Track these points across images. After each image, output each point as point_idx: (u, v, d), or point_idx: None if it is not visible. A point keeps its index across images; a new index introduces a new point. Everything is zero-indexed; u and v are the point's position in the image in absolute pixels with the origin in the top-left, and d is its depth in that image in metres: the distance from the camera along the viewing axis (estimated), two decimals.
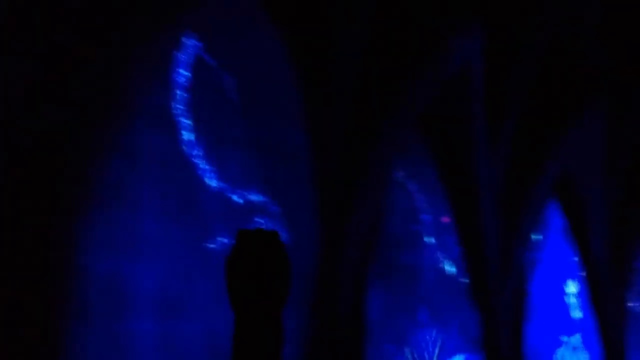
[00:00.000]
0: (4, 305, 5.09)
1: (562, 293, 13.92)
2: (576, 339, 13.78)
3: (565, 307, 13.95)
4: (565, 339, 13.69)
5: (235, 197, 7.29)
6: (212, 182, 7.08)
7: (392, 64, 8.84)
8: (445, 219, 10.76)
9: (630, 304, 14.23)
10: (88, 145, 5.76)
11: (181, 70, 6.75)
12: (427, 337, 10.40)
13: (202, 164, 6.99)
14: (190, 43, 6.76)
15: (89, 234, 5.68)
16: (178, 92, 6.76)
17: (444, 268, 10.83)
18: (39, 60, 5.49)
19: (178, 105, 6.78)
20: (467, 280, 11.00)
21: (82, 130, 5.71)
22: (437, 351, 10.50)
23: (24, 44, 5.45)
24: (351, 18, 8.21)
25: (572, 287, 14.00)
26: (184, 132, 6.82)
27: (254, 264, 3.14)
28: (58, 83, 5.58)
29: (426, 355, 10.36)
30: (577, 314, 13.93)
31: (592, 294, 13.80)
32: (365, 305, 8.79)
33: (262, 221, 7.51)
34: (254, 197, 7.51)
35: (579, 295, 13.89)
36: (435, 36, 9.20)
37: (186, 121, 6.82)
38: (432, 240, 10.65)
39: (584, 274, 13.79)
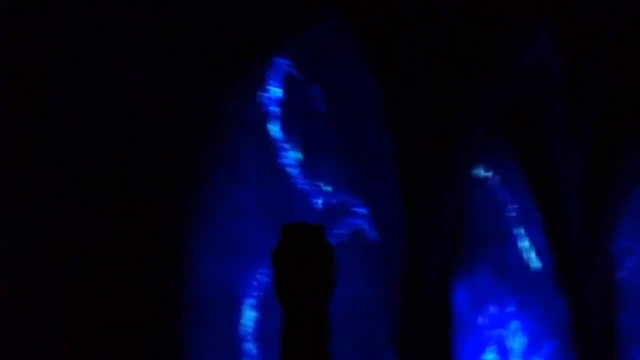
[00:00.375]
0: (128, 309, 5.91)
1: None
2: None
3: None
4: None
5: (326, 201, 8.02)
6: (305, 188, 7.82)
7: (471, 62, 9.38)
8: (530, 211, 11.24)
9: None
10: (196, 160, 6.57)
11: (273, 87, 7.53)
12: (516, 326, 10.88)
13: (296, 172, 7.74)
14: (280, 61, 7.54)
15: (199, 241, 6.49)
16: (272, 107, 7.55)
17: (530, 259, 11.28)
18: (153, 82, 6.32)
19: (272, 119, 7.57)
20: (554, 270, 11.46)
21: (191, 146, 6.53)
22: (526, 340, 10.98)
23: (140, 68, 6.28)
24: (429, 21, 8.78)
25: None
26: (278, 143, 7.60)
27: (296, 258, 3.41)
28: (170, 103, 6.41)
29: (515, 345, 10.84)
30: None
31: None
32: (453, 298, 9.34)
33: (355, 222, 8.22)
34: (344, 200, 8.21)
35: None
36: (513, 33, 9.70)
37: (279, 133, 7.59)
38: (518, 232, 11.13)
39: None
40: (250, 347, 7.14)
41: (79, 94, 6.15)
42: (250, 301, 7.17)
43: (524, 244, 11.17)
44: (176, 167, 6.42)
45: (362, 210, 8.40)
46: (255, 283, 7.16)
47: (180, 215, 6.39)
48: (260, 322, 7.19)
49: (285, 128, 7.64)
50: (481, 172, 10.54)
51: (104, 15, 6.22)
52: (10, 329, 5.62)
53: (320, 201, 8.00)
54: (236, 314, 7.03)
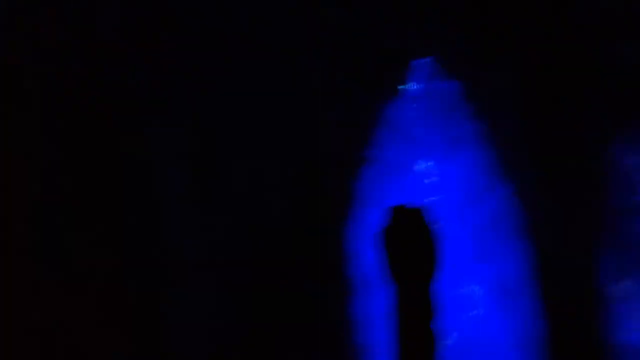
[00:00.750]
0: (302, 292, 6.87)
1: None
2: None
3: None
4: None
5: (468, 187, 8.74)
6: (447, 177, 8.57)
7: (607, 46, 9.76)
8: None
9: None
10: (345, 159, 7.49)
11: (414, 84, 8.30)
12: None
13: (437, 163, 8.50)
14: (422, 60, 8.30)
15: (356, 229, 7.39)
16: (411, 103, 8.33)
17: None
18: (307, 84, 7.26)
19: (414, 114, 8.35)
20: None
21: (343, 145, 7.44)
22: None
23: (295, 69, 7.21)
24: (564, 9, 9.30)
25: None
26: (418, 138, 8.37)
27: (398, 239, 3.68)
28: (324, 103, 7.33)
29: None
30: None
31: None
32: (593, 272, 9.79)
33: (496, 205, 8.86)
34: (485, 185, 8.89)
35: None
36: None
37: (420, 129, 8.37)
38: None
39: None
40: None
41: (245, 97, 7.13)
42: None
43: None
44: (333, 165, 7.33)
45: (504, 193, 9.02)
46: None
47: (339, 207, 7.30)
48: None
49: (427, 122, 8.41)
50: (616, 150, 10.89)
51: (268, 19, 7.18)
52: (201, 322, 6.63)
53: (462, 188, 8.73)
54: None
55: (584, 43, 9.41)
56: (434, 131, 8.47)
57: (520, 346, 8.85)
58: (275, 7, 7.40)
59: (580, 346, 9.37)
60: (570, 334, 9.25)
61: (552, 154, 9.40)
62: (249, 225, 6.84)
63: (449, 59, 8.55)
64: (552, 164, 9.41)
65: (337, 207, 7.35)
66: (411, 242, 3.63)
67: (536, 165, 9.26)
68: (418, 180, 8.37)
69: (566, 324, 9.24)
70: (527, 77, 9.10)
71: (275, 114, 7.33)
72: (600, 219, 10.10)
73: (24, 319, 6.13)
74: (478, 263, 8.45)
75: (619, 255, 10.93)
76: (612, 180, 10.66)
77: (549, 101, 9.33)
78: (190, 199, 6.72)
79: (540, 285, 9.12)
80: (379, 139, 7.98)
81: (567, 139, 9.51)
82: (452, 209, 8.29)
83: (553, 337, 9.09)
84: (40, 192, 6.37)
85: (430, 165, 8.46)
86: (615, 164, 10.84)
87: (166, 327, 6.53)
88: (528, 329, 8.92)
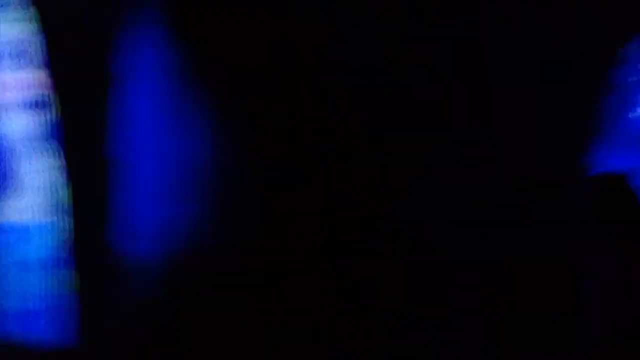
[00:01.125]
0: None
1: None
2: None
3: None
4: None
5: None
6: None
7: None
8: None
9: None
10: (577, 132, 7.56)
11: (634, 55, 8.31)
12: None
13: None
14: None
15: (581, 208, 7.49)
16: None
17: None
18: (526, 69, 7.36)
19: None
20: None
21: (569, 119, 7.53)
22: None
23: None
24: None
25: None
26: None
27: (609, 207, 3.69)
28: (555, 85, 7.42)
29: None
30: None
31: None
32: None
33: None
34: None
35: None
36: None
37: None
38: None
39: None
40: None
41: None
42: None
43: None
44: (564, 138, 7.43)
45: None
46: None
47: (566, 182, 7.41)
48: None
49: None
50: None
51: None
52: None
53: None
54: None
55: None
56: None
57: None
58: None
59: None
60: None
61: None
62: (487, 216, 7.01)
63: None
64: None
65: (564, 183, 7.46)
66: (619, 209, 3.58)
67: None
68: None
69: None
70: None
71: (510, 88, 7.47)
72: None
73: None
74: None
75: None
76: None
77: None
78: (454, 190, 6.93)
79: None
80: (611, 108, 8.02)
81: None
82: None
83: None
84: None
85: None
86: None
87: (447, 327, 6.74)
88: None
